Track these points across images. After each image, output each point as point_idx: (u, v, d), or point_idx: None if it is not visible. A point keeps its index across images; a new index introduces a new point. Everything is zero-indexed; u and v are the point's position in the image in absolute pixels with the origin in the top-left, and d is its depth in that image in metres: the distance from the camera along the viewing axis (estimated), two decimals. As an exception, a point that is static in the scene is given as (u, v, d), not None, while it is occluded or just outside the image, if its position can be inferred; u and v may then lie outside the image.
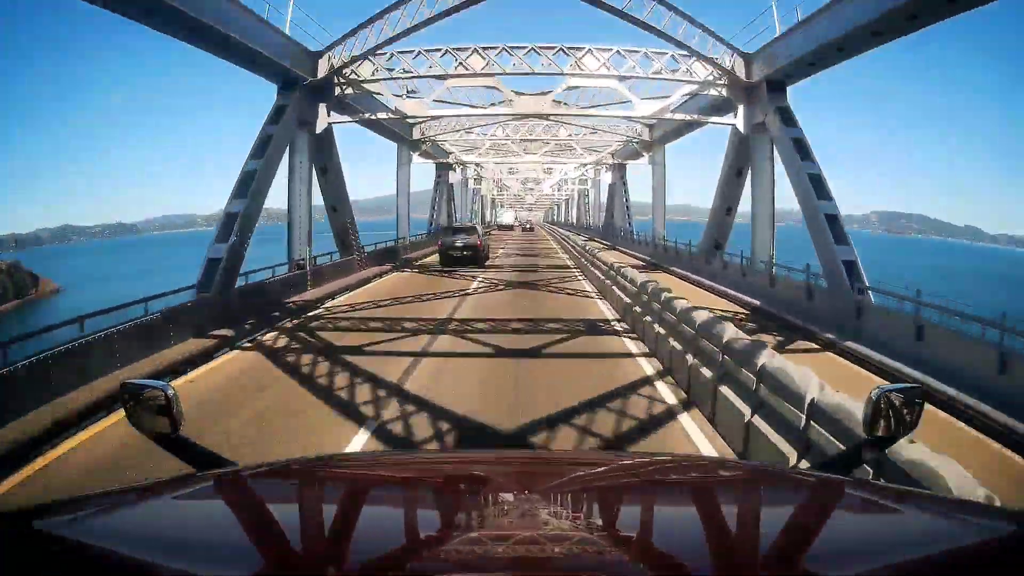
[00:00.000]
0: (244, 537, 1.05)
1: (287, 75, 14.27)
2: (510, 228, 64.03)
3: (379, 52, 15.14)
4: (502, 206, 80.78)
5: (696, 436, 5.70)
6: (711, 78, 15.23)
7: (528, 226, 70.81)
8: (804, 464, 3.99)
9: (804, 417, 4.10)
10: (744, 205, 16.82)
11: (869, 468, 2.99)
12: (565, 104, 19.90)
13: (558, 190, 66.16)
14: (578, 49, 15.40)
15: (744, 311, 13.09)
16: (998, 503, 2.63)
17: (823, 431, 3.84)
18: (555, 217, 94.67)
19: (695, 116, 18.12)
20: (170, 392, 1.46)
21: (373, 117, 18.30)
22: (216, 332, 9.64)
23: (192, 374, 7.98)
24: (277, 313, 12.05)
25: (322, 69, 15.16)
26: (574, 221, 68.36)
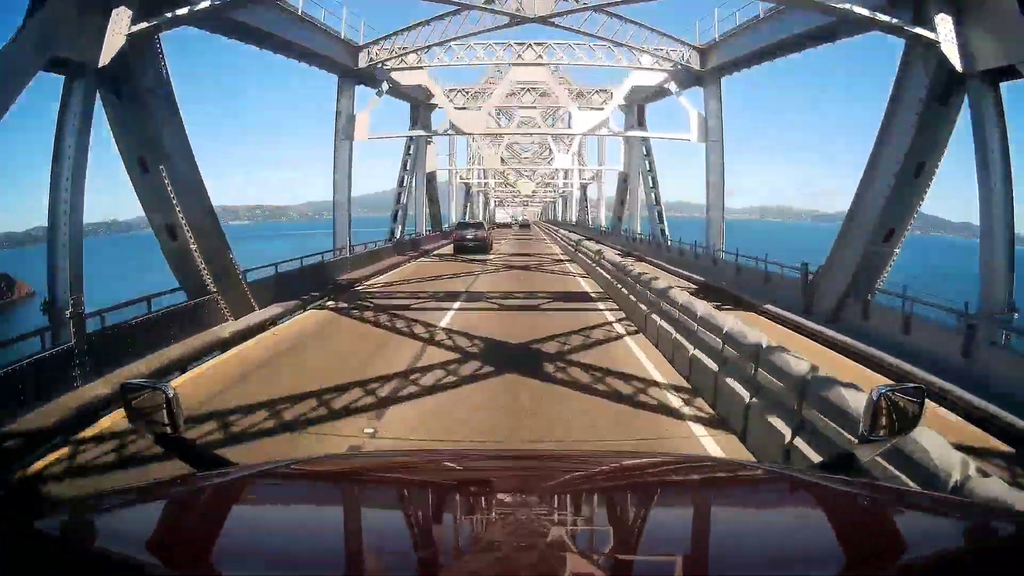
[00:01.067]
0: (243, 537, 1.07)
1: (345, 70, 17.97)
2: (508, 226, 68.23)
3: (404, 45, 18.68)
4: (494, 202, 73.73)
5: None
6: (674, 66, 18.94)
7: (524, 222, 73.92)
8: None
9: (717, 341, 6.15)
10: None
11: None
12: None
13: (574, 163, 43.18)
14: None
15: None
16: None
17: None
18: (555, 215, 76.01)
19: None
20: (170, 392, 1.49)
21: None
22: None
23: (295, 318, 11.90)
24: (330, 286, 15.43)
25: (362, 61, 18.65)
26: (599, 222, 45.29)
